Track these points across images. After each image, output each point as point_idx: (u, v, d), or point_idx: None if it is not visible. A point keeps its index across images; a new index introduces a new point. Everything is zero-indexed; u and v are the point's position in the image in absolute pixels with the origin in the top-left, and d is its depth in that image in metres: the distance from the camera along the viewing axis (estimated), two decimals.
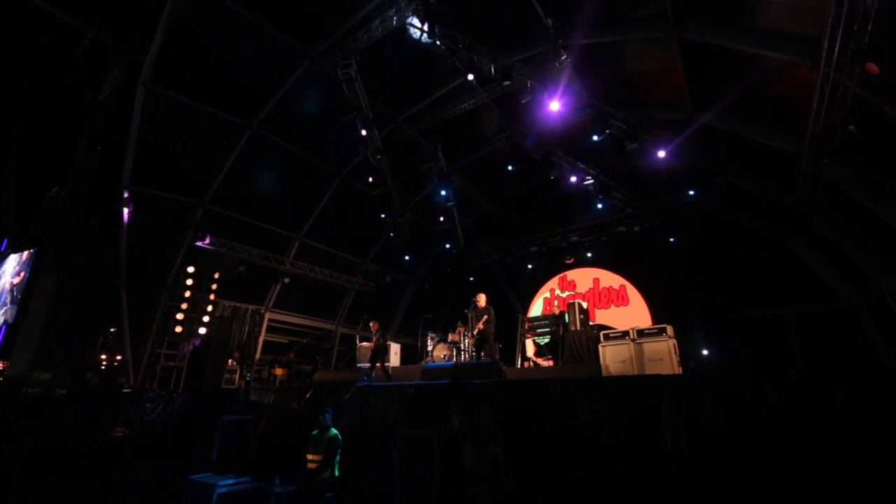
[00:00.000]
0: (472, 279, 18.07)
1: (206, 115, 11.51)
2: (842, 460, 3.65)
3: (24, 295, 11.85)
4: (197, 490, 5.93)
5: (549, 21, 10.16)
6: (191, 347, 12.07)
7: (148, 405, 9.65)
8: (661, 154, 10.52)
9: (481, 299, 8.88)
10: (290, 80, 11.71)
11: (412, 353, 14.78)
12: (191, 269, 12.45)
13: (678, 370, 7.87)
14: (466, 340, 11.41)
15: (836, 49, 6.82)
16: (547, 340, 10.84)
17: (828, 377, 3.99)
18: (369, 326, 9.95)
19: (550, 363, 10.35)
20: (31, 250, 12.61)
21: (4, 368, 11.31)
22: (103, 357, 13.31)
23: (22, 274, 12.66)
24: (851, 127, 7.43)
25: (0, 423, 8.95)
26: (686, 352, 10.02)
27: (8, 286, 13.14)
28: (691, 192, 12.24)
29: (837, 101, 7.47)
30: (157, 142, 11.27)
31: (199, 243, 12.74)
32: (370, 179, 13.77)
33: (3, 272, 13.78)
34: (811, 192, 9.41)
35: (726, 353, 11.92)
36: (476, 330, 8.67)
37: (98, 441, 9.46)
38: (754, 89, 9.58)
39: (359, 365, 11.31)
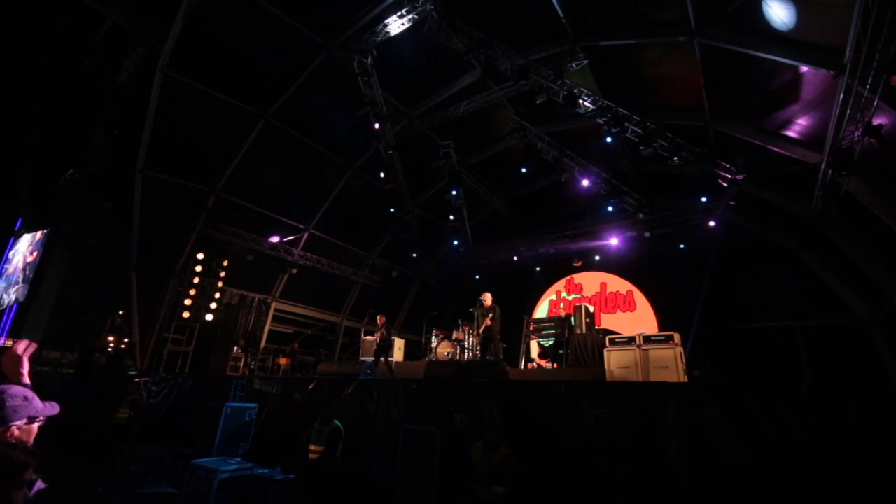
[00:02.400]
0: (477, 277, 18.05)
1: (221, 104, 11.57)
2: (853, 480, 3.60)
3: (36, 274, 12.01)
4: (199, 474, 5.98)
5: (568, 22, 10.12)
6: None
7: (153, 388, 9.75)
8: (675, 160, 10.43)
9: (487, 298, 8.86)
10: (306, 71, 11.74)
11: (416, 349, 14.82)
12: (200, 256, 12.57)
13: (684, 378, 7.81)
14: (471, 339, 11.41)
15: (861, 61, 6.70)
16: (551, 342, 10.79)
17: (839, 392, 3.93)
18: (376, 320, 9.96)
19: (555, 365, 10.31)
20: (45, 230, 12.77)
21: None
22: (111, 339, 13.47)
23: (35, 253, 12.82)
24: (872, 140, 7.30)
25: None
26: (692, 360, 9.95)
27: (21, 265, 13.33)
28: (703, 199, 12.13)
29: (859, 113, 7.35)
30: (172, 128, 11.35)
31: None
32: (381, 175, 13.79)
33: (17, 251, 13.98)
34: (827, 205, 9.28)
35: (733, 363, 11.80)
36: (483, 327, 8.64)
37: (103, 422, 9.59)
38: (774, 98, 9.46)
39: (362, 358, 11.34)
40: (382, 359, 9.39)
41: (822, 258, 11.73)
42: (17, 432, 1.64)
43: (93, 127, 11.64)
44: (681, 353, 7.97)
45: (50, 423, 1.82)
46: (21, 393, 1.71)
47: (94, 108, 11.66)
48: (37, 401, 1.75)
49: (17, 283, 13.11)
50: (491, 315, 8.60)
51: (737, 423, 4.23)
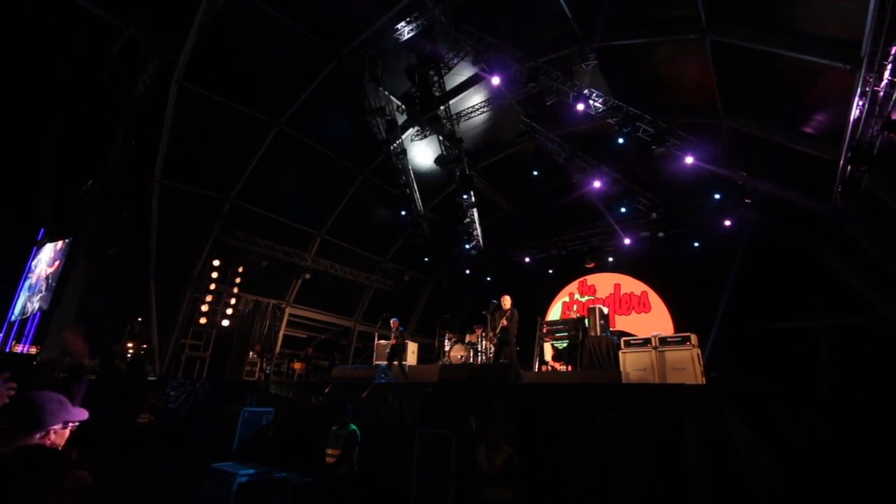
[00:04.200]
0: (489, 280, 18.03)
1: (235, 113, 11.77)
2: (878, 483, 3.51)
3: (58, 283, 12.32)
4: (218, 477, 6.06)
5: (577, 23, 10.10)
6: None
7: (172, 393, 9.90)
8: (689, 160, 10.32)
9: (506, 300, 8.75)
10: (316, 79, 11.88)
11: (429, 353, 14.82)
12: (216, 263, 12.77)
13: (701, 380, 7.69)
14: (484, 342, 11.39)
15: (878, 55, 6.58)
16: (565, 345, 10.72)
17: (862, 393, 3.84)
18: (389, 324, 10.01)
19: (569, 368, 10.24)
20: (67, 240, 13.10)
21: (38, 353, 11.77)
22: (130, 345, 13.73)
23: (57, 262, 13.16)
24: (892, 135, 7.15)
25: None
26: (710, 362, 9.79)
27: (44, 274, 13.68)
28: (717, 196, 11.97)
29: (877, 108, 7.21)
30: (187, 138, 11.57)
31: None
32: (392, 179, 13.87)
33: (40, 260, 14.35)
34: (847, 202, 9.10)
35: (752, 364, 11.58)
36: (499, 328, 8.57)
37: (124, 426, 9.76)
38: (789, 93, 9.33)
39: (376, 362, 11.39)
40: (396, 362, 9.42)
41: (842, 256, 11.46)
42: (53, 436, 1.69)
43: (111, 138, 11.91)
44: (698, 355, 7.86)
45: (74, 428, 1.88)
46: (56, 398, 1.77)
47: (112, 120, 11.94)
48: (70, 405, 1.80)
49: (40, 291, 13.46)
50: (509, 318, 8.49)
51: (757, 427, 4.15)
